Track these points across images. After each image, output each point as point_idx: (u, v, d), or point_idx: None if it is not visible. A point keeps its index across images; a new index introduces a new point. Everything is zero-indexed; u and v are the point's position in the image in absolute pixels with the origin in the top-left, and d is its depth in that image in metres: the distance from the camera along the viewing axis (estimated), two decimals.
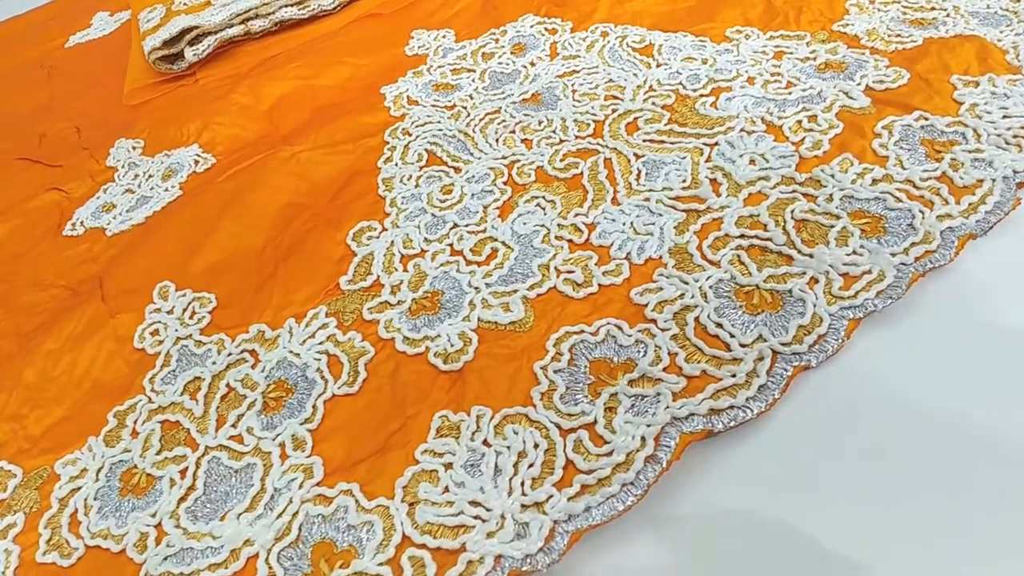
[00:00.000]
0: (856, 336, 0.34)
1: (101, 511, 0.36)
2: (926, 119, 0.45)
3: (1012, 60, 0.49)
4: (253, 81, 0.70)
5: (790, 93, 0.50)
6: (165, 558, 0.33)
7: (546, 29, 0.66)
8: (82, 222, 0.57)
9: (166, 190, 0.58)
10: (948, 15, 0.55)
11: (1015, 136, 0.42)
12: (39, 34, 1.05)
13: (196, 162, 0.60)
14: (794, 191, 0.42)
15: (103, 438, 0.39)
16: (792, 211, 0.40)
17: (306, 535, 0.31)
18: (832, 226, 0.39)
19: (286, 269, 0.46)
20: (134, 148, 0.65)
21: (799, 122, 0.47)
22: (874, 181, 0.41)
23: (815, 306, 0.35)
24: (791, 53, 0.54)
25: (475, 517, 0.30)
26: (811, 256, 0.37)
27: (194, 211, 0.54)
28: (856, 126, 0.46)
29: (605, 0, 0.67)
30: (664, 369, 0.33)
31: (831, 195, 0.41)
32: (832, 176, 0.42)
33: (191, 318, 0.45)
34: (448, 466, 0.32)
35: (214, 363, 0.41)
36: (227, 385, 0.40)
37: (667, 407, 0.31)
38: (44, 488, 0.38)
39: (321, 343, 0.40)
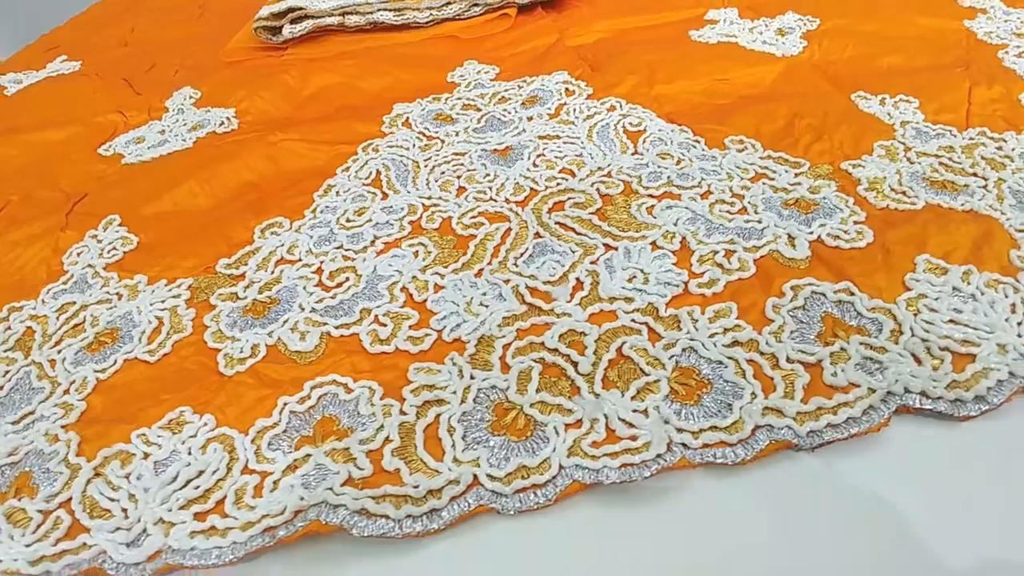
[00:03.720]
0: (578, 502, 0.30)
1: None
2: (850, 293, 0.38)
3: (1017, 259, 0.39)
4: (306, 67, 0.76)
5: (731, 220, 0.44)
6: None
7: (567, 89, 0.65)
8: (115, 146, 0.67)
9: (183, 140, 0.66)
10: (984, 187, 0.45)
11: (944, 348, 0.34)
12: None
13: (221, 123, 0.68)
14: (645, 323, 0.37)
15: None
16: (622, 344, 0.36)
17: (23, 461, 0.35)
18: (648, 375, 0.34)
19: (199, 236, 0.51)
20: (190, 97, 0.74)
21: (714, 252, 0.42)
22: (735, 343, 0.36)
23: (554, 451, 0.31)
24: (771, 178, 0.48)
25: (123, 510, 0.31)
26: (596, 397, 0.33)
27: (180, 163, 0.61)
28: (767, 277, 0.40)
29: (634, 77, 0.64)
30: (368, 452, 0.32)
31: (676, 341, 0.36)
32: (695, 322, 0.37)
33: (109, 252, 0.51)
34: (147, 456, 0.33)
35: (91, 295, 0.46)
36: (84, 316, 0.44)
37: (329, 488, 0.30)
38: None
39: (162, 309, 0.43)
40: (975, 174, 0.47)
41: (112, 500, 0.31)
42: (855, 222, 0.43)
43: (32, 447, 0.35)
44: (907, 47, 0.66)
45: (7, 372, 0.41)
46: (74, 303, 0.46)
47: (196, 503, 0.31)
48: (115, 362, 0.40)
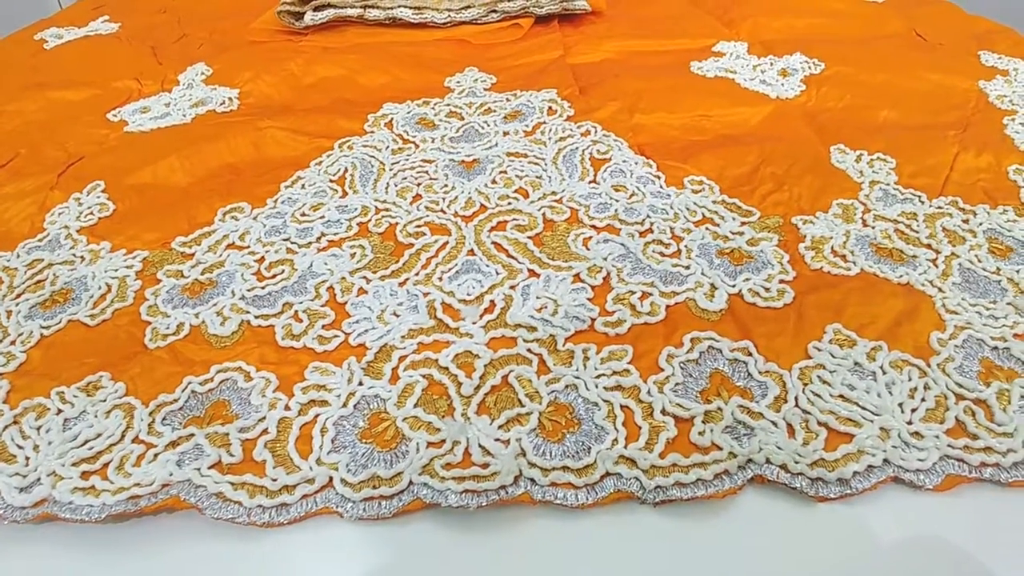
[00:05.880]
0: (418, 519, 0.31)
1: None
2: (748, 354, 0.38)
3: (937, 341, 0.38)
4: (313, 56, 0.79)
5: (659, 263, 0.45)
6: None
7: (549, 108, 0.65)
8: (122, 113, 0.71)
9: (183, 115, 0.69)
10: (933, 260, 0.44)
11: (822, 423, 0.34)
12: None
13: (223, 103, 0.71)
14: (540, 354, 0.38)
15: None
16: (509, 373, 0.37)
17: None
18: (523, 406, 0.35)
19: (166, 211, 0.54)
20: (202, 73, 0.78)
21: (631, 293, 0.42)
22: (618, 386, 0.36)
23: (410, 466, 0.32)
24: (716, 224, 0.48)
25: (26, 458, 0.34)
26: (466, 420, 0.34)
27: (171, 137, 0.64)
28: (673, 325, 0.40)
29: (616, 104, 0.64)
30: (244, 440, 0.34)
31: (561, 377, 0.37)
32: (587, 360, 0.38)
33: (86, 216, 0.54)
34: (59, 411, 0.36)
35: (59, 254, 0.50)
36: (47, 274, 0.48)
37: (197, 468, 0.32)
38: None
39: (113, 277, 0.47)
40: (929, 246, 0.46)
41: (19, 448, 0.35)
42: (781, 280, 0.43)
43: None
44: (908, 102, 0.65)
45: None
46: (43, 260, 0.50)
47: (86, 462, 0.33)
48: (60, 321, 0.43)
